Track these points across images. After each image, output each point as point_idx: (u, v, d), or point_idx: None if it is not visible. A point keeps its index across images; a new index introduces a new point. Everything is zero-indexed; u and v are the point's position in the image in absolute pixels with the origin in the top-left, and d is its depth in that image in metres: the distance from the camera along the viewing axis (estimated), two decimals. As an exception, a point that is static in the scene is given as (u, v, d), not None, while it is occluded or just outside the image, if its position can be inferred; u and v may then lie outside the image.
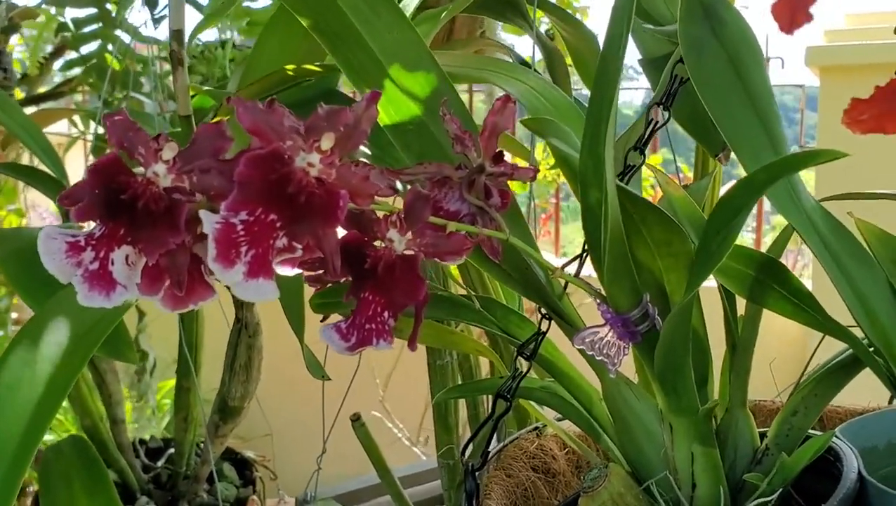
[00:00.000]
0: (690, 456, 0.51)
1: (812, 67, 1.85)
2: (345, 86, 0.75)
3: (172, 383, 1.42)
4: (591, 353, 0.48)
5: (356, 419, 0.76)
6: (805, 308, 0.51)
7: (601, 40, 0.48)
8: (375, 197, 0.39)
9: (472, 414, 0.78)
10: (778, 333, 1.64)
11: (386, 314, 0.38)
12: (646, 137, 0.54)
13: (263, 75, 0.56)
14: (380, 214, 0.39)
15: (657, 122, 0.53)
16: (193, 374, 0.99)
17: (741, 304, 0.56)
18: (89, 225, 0.35)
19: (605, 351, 0.48)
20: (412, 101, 0.50)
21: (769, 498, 0.47)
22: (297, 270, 0.40)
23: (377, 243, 0.38)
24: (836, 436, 0.53)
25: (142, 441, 1.21)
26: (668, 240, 0.51)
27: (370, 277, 0.38)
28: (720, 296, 0.57)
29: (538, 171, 0.44)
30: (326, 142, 0.35)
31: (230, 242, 0.34)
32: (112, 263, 0.34)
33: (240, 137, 0.36)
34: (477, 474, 0.55)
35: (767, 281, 0.53)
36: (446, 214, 0.46)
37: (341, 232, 0.39)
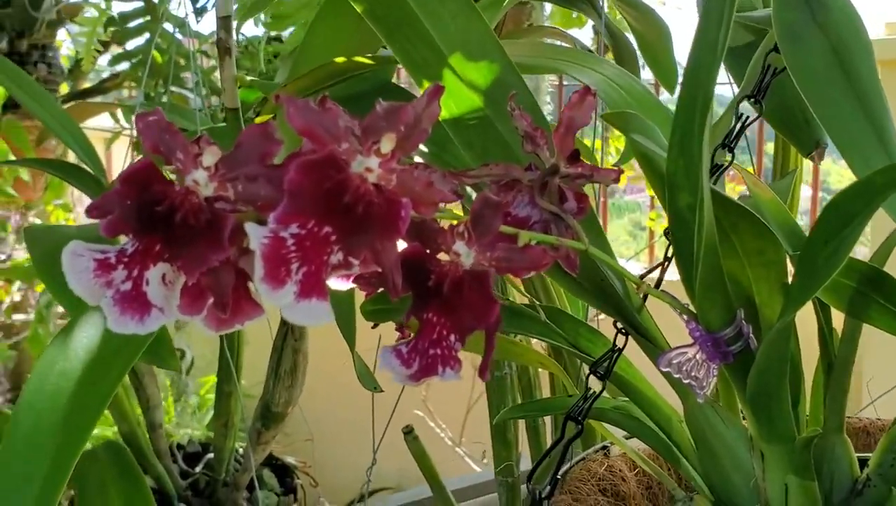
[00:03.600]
0: (784, 488, 0.46)
1: None
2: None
3: (214, 378, 1.40)
4: (677, 375, 0.42)
5: (409, 432, 0.72)
6: (915, 324, 0.45)
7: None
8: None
9: (530, 424, 0.73)
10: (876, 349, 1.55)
11: (452, 338, 0.33)
12: (735, 132, 0.48)
13: (313, 68, 0.52)
14: (444, 224, 0.35)
15: (747, 117, 0.48)
16: (235, 379, 0.96)
17: (837, 318, 0.51)
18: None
19: (692, 373, 0.43)
20: (475, 93, 0.45)
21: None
22: (350, 285, 0.35)
23: (442, 257, 0.34)
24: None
25: (179, 446, 1.19)
26: (761, 248, 0.46)
27: (435, 296, 0.33)
28: (814, 308, 0.51)
29: (622, 172, 0.39)
30: (387, 144, 0.30)
31: (280, 259, 0.29)
32: (147, 284, 0.30)
33: (289, 138, 0.32)
34: (545, 503, 0.51)
35: (870, 293, 0.47)
36: (514, 221, 0.42)
37: (401, 245, 0.34)
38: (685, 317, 0.43)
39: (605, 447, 0.63)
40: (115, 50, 1.52)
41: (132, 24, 1.40)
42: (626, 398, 0.53)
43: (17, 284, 1.81)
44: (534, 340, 0.71)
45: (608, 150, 1.75)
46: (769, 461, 0.46)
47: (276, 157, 0.31)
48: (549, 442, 0.75)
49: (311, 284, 0.30)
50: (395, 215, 0.30)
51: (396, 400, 0.79)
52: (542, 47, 0.54)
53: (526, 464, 0.73)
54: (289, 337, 0.81)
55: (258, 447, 0.94)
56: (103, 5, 1.44)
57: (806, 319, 0.53)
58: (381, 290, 0.39)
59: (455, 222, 0.34)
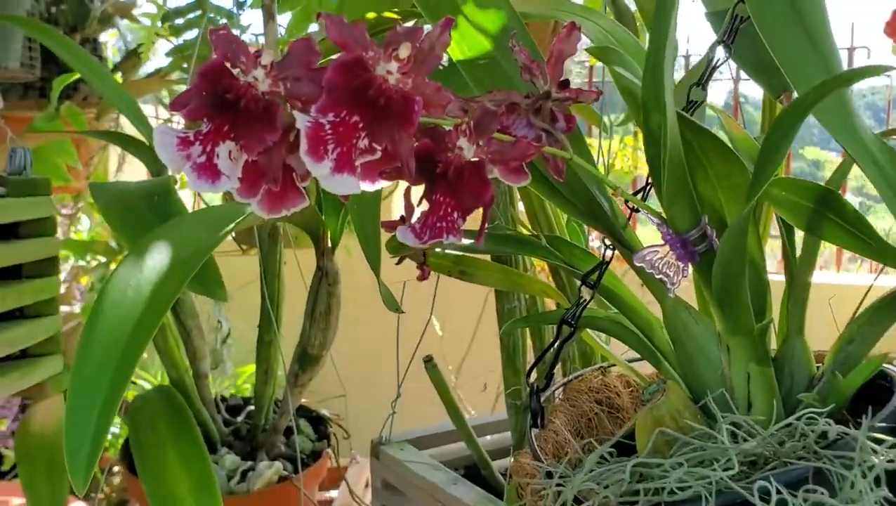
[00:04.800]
0: (746, 376, 0.53)
1: None
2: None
3: (252, 368, 1.50)
4: (650, 271, 0.50)
5: (429, 361, 0.80)
6: (861, 236, 0.53)
7: None
8: (448, 116, 0.43)
9: (537, 352, 0.81)
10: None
11: (455, 214, 0.41)
12: (707, 73, 0.56)
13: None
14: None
15: (718, 60, 0.56)
16: (275, 327, 1.05)
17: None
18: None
19: (663, 270, 0.51)
20: (484, 36, 0.53)
21: (822, 409, 0.48)
22: (381, 183, 0.44)
23: (449, 154, 0.42)
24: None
25: (223, 398, 1.28)
26: (729, 172, 0.54)
27: (442, 181, 0.41)
28: (780, 230, 0.59)
29: (601, 92, 0.47)
30: (404, 51, 0.39)
31: (319, 140, 0.38)
32: (217, 157, 0.38)
33: (325, 54, 0.41)
34: (541, 396, 0.59)
35: (824, 212, 0.54)
36: (517, 138, 0.50)
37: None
38: (658, 221, 0.51)
39: (602, 368, 0.71)
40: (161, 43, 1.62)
41: (184, 18, 1.51)
42: (616, 310, 0.61)
43: (63, 275, 1.92)
44: (541, 277, 0.79)
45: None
46: (733, 353, 0.53)
47: (316, 64, 0.40)
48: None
49: (344, 161, 0.38)
50: (410, 109, 0.39)
51: (412, 356, 0.88)
52: (550, 1, 0.62)
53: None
54: (323, 281, 0.90)
55: (296, 390, 1.03)
56: (160, 1, 1.55)
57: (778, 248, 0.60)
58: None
59: (460, 124, 0.42)
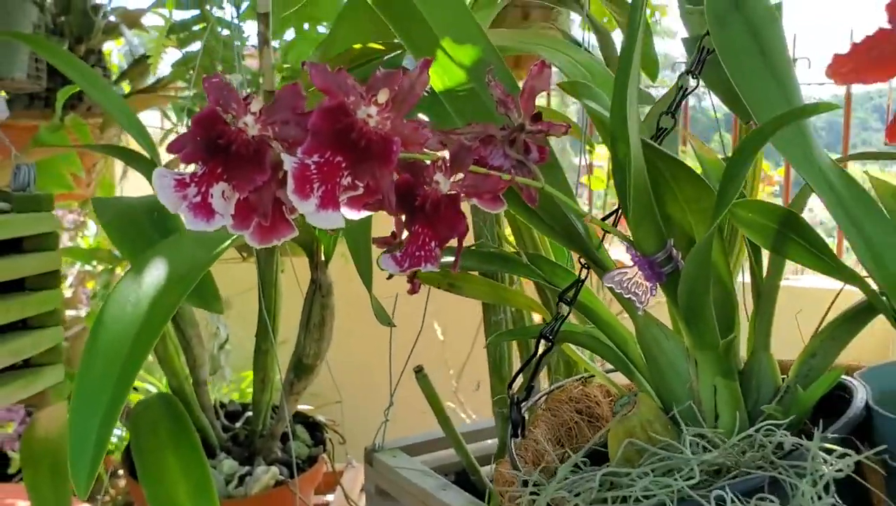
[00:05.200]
0: (713, 389, 0.56)
1: None
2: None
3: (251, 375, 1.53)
4: (619, 291, 0.54)
5: (419, 371, 0.83)
6: (821, 256, 0.56)
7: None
8: (427, 150, 0.46)
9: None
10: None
11: (433, 244, 0.45)
12: (676, 101, 0.59)
13: (338, 53, 0.64)
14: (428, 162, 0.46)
15: (687, 88, 0.59)
16: (271, 337, 1.08)
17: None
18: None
19: (632, 290, 0.54)
20: (462, 70, 0.56)
21: (783, 421, 0.52)
22: (365, 213, 0.47)
23: (427, 188, 0.45)
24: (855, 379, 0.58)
25: (222, 404, 1.31)
26: (698, 196, 0.57)
27: (420, 213, 0.45)
28: (747, 251, 0.62)
29: (570, 127, 0.50)
30: (382, 96, 0.42)
31: (305, 179, 0.41)
32: (211, 197, 0.42)
33: (312, 100, 0.44)
34: (522, 406, 0.62)
35: (788, 233, 0.57)
36: (491, 168, 0.53)
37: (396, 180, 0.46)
38: (626, 244, 0.54)
39: (583, 378, 0.74)
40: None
41: (188, 31, 1.54)
42: (593, 325, 0.64)
43: (69, 280, 1.95)
44: (529, 291, 0.82)
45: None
46: (701, 367, 0.57)
47: (302, 108, 0.43)
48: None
49: (328, 198, 0.41)
50: (389, 149, 0.42)
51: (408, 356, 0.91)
52: (526, 34, 0.65)
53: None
54: (317, 293, 0.93)
55: (291, 397, 1.06)
56: (167, 13, 1.59)
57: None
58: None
59: (436, 160, 0.45)
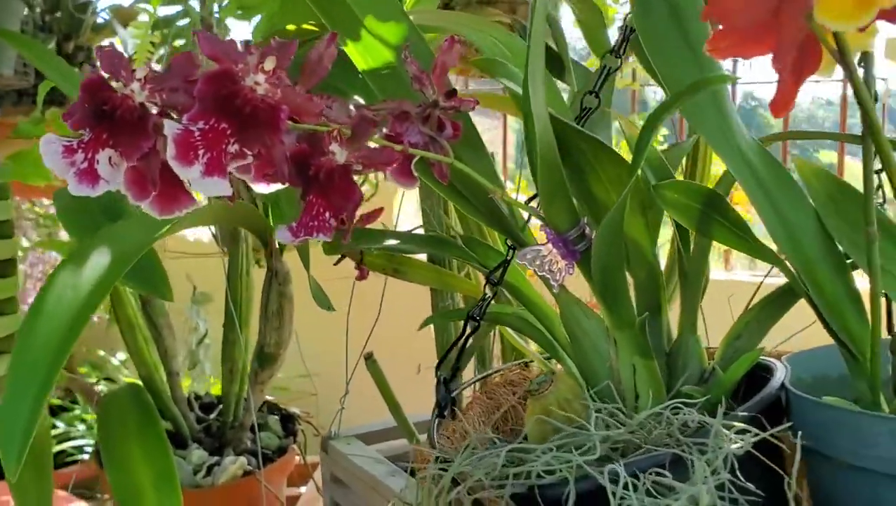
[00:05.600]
0: (632, 368, 0.56)
1: (893, 59, 1.78)
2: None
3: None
4: (533, 268, 0.53)
5: (369, 357, 0.83)
6: (743, 237, 0.55)
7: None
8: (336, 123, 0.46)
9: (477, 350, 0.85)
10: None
11: (327, 214, 0.45)
12: (600, 81, 0.59)
13: (268, 34, 0.64)
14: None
15: (611, 68, 0.59)
16: (238, 327, 1.08)
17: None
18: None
19: (547, 267, 0.54)
20: (385, 48, 0.56)
21: (696, 400, 0.51)
22: (275, 186, 0.47)
23: (322, 158, 0.45)
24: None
25: (197, 396, 1.31)
26: (619, 175, 0.57)
27: (314, 183, 0.45)
28: (673, 233, 0.61)
29: (478, 102, 0.50)
30: (269, 63, 0.42)
31: (189, 146, 0.41)
32: (98, 163, 0.42)
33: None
34: (450, 386, 0.62)
35: (712, 214, 0.57)
36: (408, 144, 0.53)
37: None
38: (541, 222, 0.54)
39: (524, 363, 0.74)
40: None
41: (171, 28, 1.55)
42: (522, 306, 0.64)
43: (43, 268, 1.97)
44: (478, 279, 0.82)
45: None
46: (620, 346, 0.56)
47: (194, 77, 0.43)
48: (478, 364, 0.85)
49: (214, 165, 0.41)
50: (276, 117, 0.42)
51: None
52: (453, 16, 0.65)
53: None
54: (273, 281, 0.93)
55: (256, 387, 1.06)
56: (151, 9, 1.60)
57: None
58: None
59: (331, 130, 0.45)
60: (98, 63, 1.51)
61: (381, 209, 0.80)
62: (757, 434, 0.46)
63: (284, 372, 1.24)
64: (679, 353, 0.60)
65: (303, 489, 1.31)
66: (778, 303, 0.58)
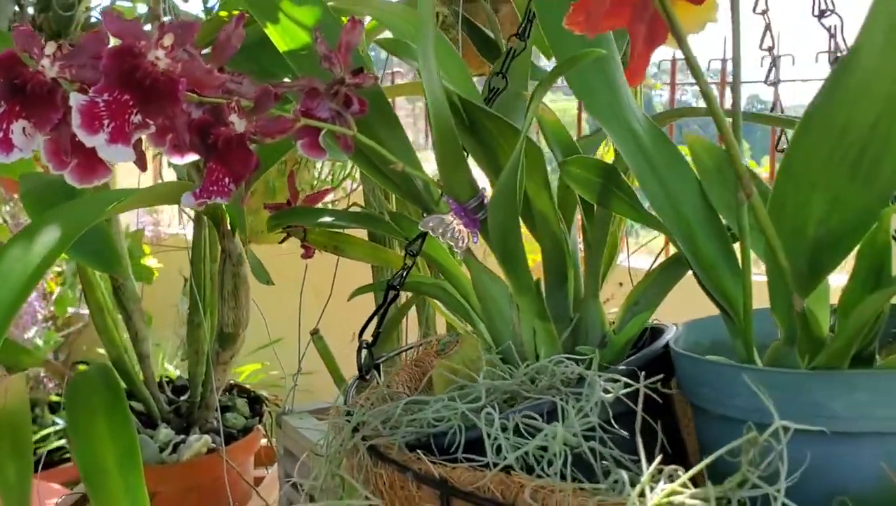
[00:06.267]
0: (533, 330, 0.60)
1: None
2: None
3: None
4: (436, 236, 0.57)
5: (315, 333, 0.87)
6: (635, 207, 0.59)
7: None
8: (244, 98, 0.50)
9: (421, 320, 0.89)
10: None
11: (227, 180, 0.49)
12: (506, 63, 0.63)
13: (206, 20, 0.68)
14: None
15: (516, 50, 0.63)
16: (201, 310, 1.12)
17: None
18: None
19: (450, 235, 0.58)
20: (302, 30, 0.60)
21: (578, 357, 0.55)
22: (190, 157, 0.51)
23: (223, 128, 0.49)
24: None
25: (169, 379, 1.36)
26: (525, 151, 0.60)
27: (214, 151, 0.48)
28: (580, 207, 0.65)
29: (377, 77, 0.54)
30: (167, 40, 0.46)
31: (94, 116, 0.45)
32: (12, 133, 0.46)
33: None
34: (371, 350, 0.66)
35: (610, 186, 0.61)
36: (317, 118, 0.57)
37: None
38: (442, 192, 0.58)
39: (458, 334, 0.78)
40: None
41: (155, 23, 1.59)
42: (442, 277, 0.68)
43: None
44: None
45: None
46: (522, 310, 0.60)
47: (102, 54, 0.47)
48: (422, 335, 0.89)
49: (117, 133, 0.45)
50: (174, 89, 0.46)
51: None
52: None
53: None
54: (227, 262, 0.97)
55: (218, 368, 1.10)
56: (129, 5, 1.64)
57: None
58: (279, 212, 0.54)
59: (230, 101, 0.49)
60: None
61: (328, 190, 0.84)
62: (629, 385, 0.50)
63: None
64: (582, 317, 0.64)
65: (272, 470, 1.35)
66: (672, 270, 0.62)
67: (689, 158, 0.59)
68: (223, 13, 0.68)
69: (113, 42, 0.48)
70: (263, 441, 1.29)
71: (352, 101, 0.56)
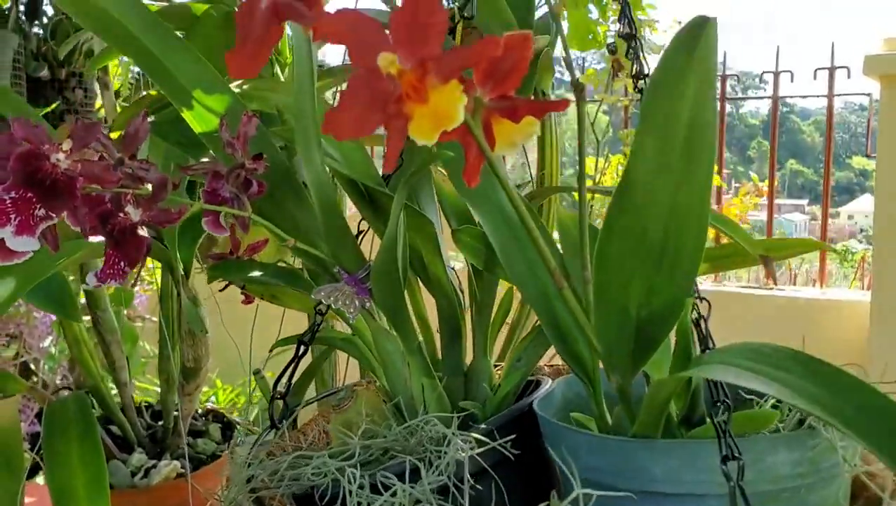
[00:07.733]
0: (422, 386, 0.66)
1: (871, 76, 1.80)
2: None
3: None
4: (327, 302, 0.63)
5: (256, 372, 0.93)
6: (504, 273, 0.65)
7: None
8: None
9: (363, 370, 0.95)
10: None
11: (122, 264, 0.55)
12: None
13: (136, 100, 0.75)
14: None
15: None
16: (169, 344, 1.20)
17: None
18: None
19: (341, 302, 0.64)
20: (213, 115, 0.67)
21: (470, 412, 0.61)
22: (98, 239, 0.58)
23: (120, 217, 0.56)
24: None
25: (148, 405, 1.43)
26: (421, 225, 0.66)
27: (111, 239, 0.55)
28: (467, 271, 0.71)
29: (268, 165, 0.61)
30: (66, 144, 0.53)
31: (1, 212, 0.52)
32: (-68, 225, 0.52)
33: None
34: (286, 399, 0.72)
35: (492, 254, 0.67)
36: (222, 200, 0.63)
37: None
38: (335, 264, 0.64)
39: (370, 382, 0.84)
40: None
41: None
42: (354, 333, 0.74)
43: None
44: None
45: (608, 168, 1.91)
46: (412, 367, 0.66)
47: (14, 156, 0.54)
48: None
49: (23, 226, 0.52)
50: (73, 186, 0.53)
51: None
52: (275, 84, 0.75)
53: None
54: (182, 309, 1.04)
55: (185, 398, 1.17)
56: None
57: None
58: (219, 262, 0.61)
59: (126, 194, 0.56)
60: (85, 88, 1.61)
61: (266, 241, 0.90)
62: (484, 444, 0.56)
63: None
64: (474, 372, 0.70)
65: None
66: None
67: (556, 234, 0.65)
68: (153, 91, 0.74)
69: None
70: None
71: (251, 183, 0.63)
